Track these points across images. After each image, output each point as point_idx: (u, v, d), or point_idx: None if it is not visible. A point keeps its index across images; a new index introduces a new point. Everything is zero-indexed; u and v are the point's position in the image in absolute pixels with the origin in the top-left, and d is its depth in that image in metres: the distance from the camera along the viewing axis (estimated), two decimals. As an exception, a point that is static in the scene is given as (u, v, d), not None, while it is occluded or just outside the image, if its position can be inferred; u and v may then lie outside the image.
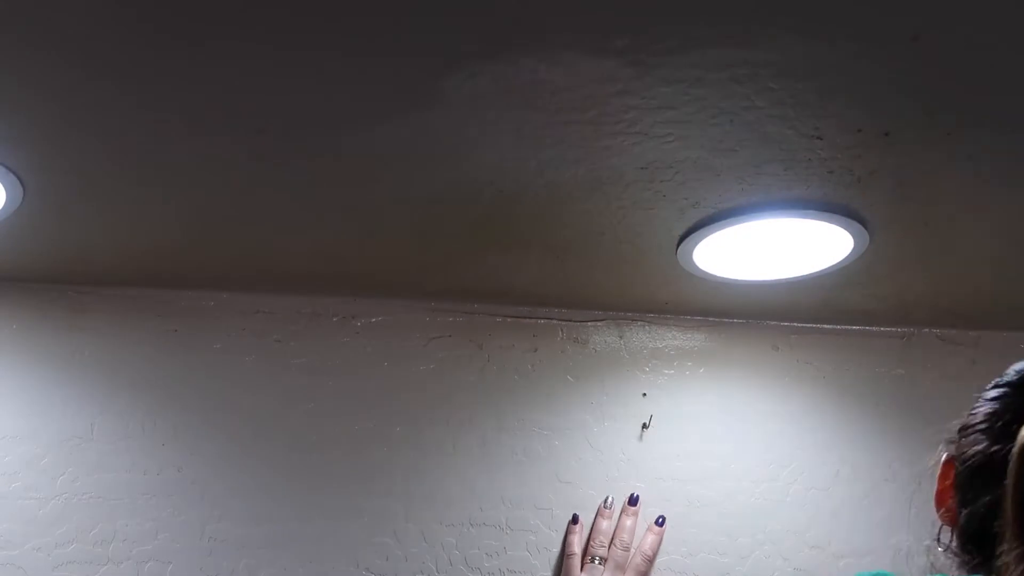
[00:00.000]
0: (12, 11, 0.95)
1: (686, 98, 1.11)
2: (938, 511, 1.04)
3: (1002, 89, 1.11)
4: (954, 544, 1.01)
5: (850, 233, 1.39)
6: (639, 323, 1.73)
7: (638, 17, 0.99)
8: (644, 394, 1.70)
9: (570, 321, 1.71)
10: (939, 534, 1.02)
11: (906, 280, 1.58)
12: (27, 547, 1.46)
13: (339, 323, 1.64)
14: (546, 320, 1.70)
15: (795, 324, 1.75)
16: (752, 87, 1.09)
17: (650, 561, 1.61)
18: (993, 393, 1.07)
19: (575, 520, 1.62)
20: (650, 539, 1.62)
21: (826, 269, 1.50)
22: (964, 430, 1.05)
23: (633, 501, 1.64)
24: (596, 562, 1.59)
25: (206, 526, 1.52)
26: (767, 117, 1.15)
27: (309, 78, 1.07)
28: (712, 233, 1.39)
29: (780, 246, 1.45)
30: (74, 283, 1.57)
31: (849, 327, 1.74)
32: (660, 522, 1.64)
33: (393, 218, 1.39)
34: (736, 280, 1.54)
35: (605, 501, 1.64)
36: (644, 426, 1.69)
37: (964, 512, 0.99)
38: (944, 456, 1.05)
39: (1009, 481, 0.93)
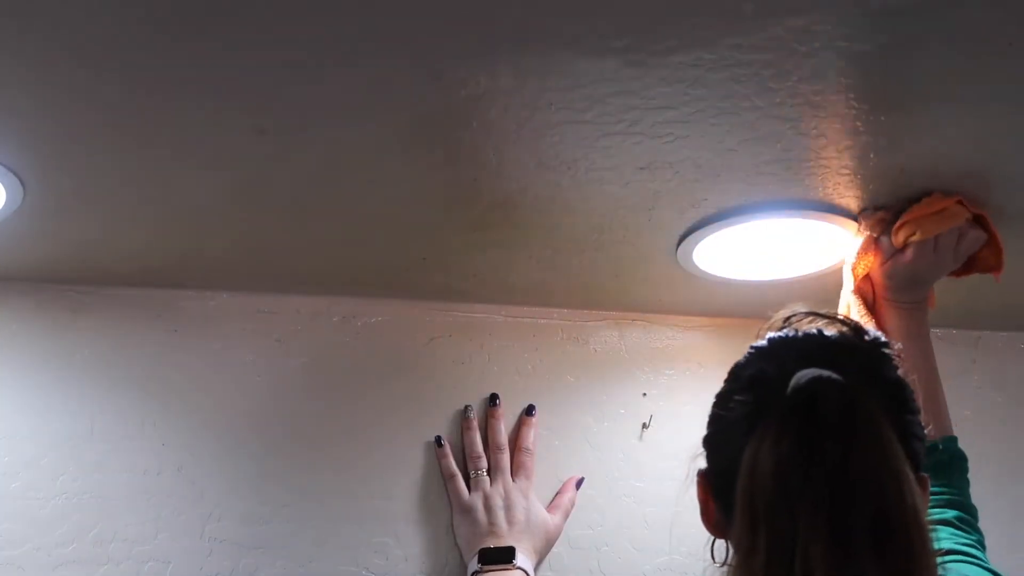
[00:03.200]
0: (12, 11, 0.95)
1: (686, 98, 1.11)
2: (707, 528, 1.03)
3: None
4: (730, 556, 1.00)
5: (850, 233, 1.39)
6: (639, 323, 1.73)
7: (638, 17, 0.99)
8: (644, 394, 1.70)
9: (570, 321, 1.71)
10: (712, 549, 1.01)
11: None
12: (27, 547, 1.46)
13: (339, 323, 1.64)
14: (546, 320, 1.70)
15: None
16: (752, 87, 1.09)
17: (532, 453, 1.60)
18: (723, 393, 1.03)
19: (440, 443, 1.59)
20: (524, 431, 1.61)
21: (826, 269, 1.50)
22: (705, 442, 1.04)
23: (530, 411, 1.63)
24: (481, 474, 1.57)
25: (206, 526, 1.52)
26: (767, 117, 1.15)
27: (309, 78, 1.07)
28: (712, 233, 1.39)
29: (780, 246, 1.45)
30: (74, 283, 1.57)
31: (849, 327, 1.74)
32: (530, 411, 1.63)
33: (393, 218, 1.39)
34: (736, 280, 1.54)
35: (464, 411, 1.61)
36: (644, 426, 1.69)
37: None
38: (698, 470, 1.04)
39: (737, 500, 0.93)
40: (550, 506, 1.59)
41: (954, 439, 1.31)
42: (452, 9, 0.97)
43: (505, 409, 1.63)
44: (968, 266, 1.37)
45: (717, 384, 1.74)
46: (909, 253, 1.33)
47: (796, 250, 1.46)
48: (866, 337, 1.00)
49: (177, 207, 1.35)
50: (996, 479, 1.74)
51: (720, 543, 1.01)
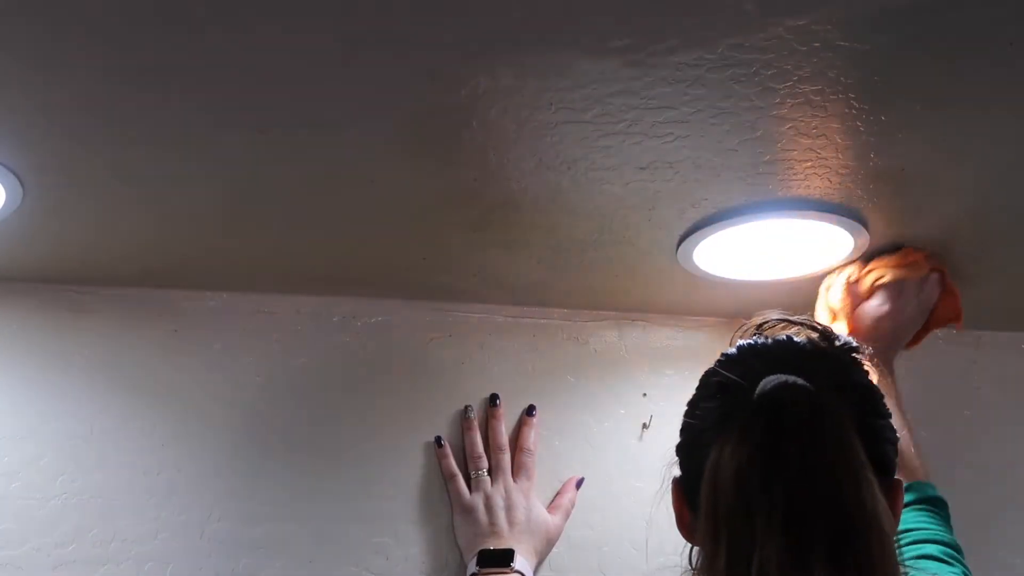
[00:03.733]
0: (12, 11, 0.95)
1: (686, 98, 1.11)
2: (682, 534, 1.03)
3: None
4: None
5: (850, 233, 1.39)
6: (639, 323, 1.73)
7: (638, 17, 0.99)
8: (644, 394, 1.70)
9: (570, 321, 1.71)
10: (691, 556, 1.01)
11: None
12: (27, 547, 1.46)
13: (339, 323, 1.64)
14: (546, 320, 1.70)
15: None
16: (752, 87, 1.09)
17: (532, 453, 1.60)
18: (693, 401, 1.03)
19: (440, 443, 1.59)
20: (525, 432, 1.61)
21: (826, 269, 1.50)
22: (677, 450, 1.04)
23: (530, 411, 1.63)
24: (482, 474, 1.57)
25: (206, 526, 1.52)
26: (767, 117, 1.15)
27: (310, 78, 1.07)
28: (712, 233, 1.39)
29: (780, 246, 1.45)
30: (74, 283, 1.57)
31: (849, 327, 1.74)
32: (531, 411, 1.62)
33: (393, 218, 1.39)
34: (736, 280, 1.54)
35: (465, 411, 1.61)
36: (644, 426, 1.69)
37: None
38: (673, 478, 1.05)
39: (701, 505, 0.94)
40: (550, 506, 1.59)
41: (932, 486, 1.33)
42: (452, 9, 0.97)
43: (505, 409, 1.63)
44: (928, 325, 1.49)
45: (717, 384, 1.75)
46: (875, 297, 1.42)
47: (796, 250, 1.46)
48: (836, 343, 1.00)
49: (177, 207, 1.35)
50: (996, 479, 1.74)
51: (697, 549, 1.01)
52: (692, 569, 1.00)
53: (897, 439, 1.00)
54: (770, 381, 0.95)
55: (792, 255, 1.48)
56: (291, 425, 1.58)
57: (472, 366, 1.66)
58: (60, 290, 1.56)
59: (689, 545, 1.01)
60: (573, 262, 1.52)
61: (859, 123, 1.16)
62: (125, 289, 1.58)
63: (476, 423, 1.61)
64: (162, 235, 1.43)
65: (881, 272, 1.43)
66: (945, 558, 1.21)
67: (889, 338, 1.44)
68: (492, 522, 1.53)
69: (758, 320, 1.06)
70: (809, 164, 1.24)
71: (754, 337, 1.01)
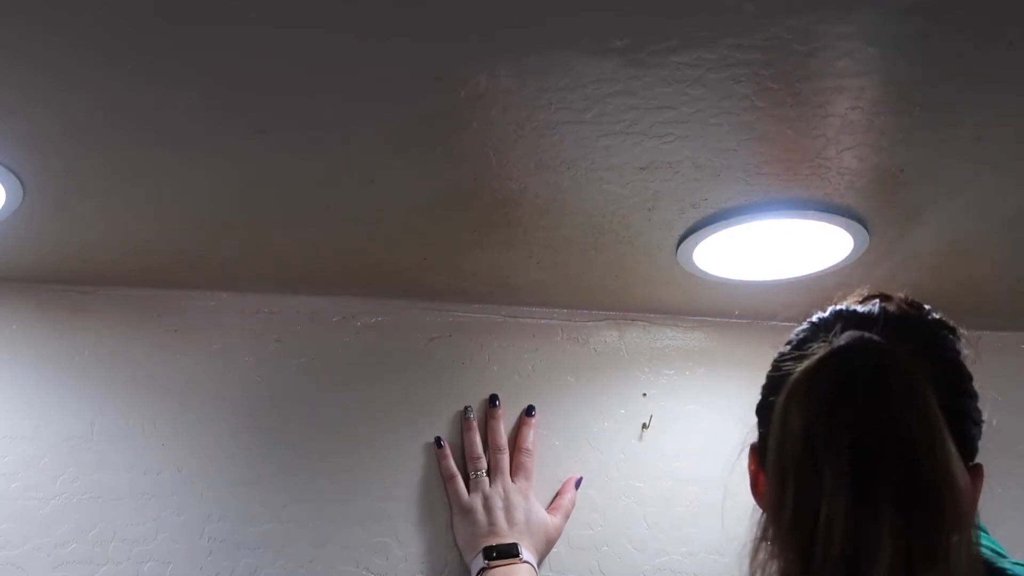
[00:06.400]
0: (11, 11, 0.95)
1: (686, 98, 1.11)
2: (756, 500, 1.02)
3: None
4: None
5: (850, 233, 1.39)
6: (639, 323, 1.73)
7: (638, 17, 0.99)
8: (644, 394, 1.70)
9: (570, 321, 1.71)
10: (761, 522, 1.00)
11: (906, 280, 1.58)
12: (27, 547, 1.46)
13: (339, 323, 1.64)
14: (546, 320, 1.70)
15: (795, 324, 1.74)
16: (752, 87, 1.09)
17: (531, 454, 1.60)
18: (776, 360, 1.02)
19: (440, 444, 1.59)
20: (524, 432, 1.61)
21: (826, 269, 1.50)
22: (757, 411, 1.03)
23: (529, 412, 1.63)
24: (481, 475, 1.57)
25: (206, 526, 1.52)
26: (767, 117, 1.15)
27: (310, 78, 1.07)
28: (712, 233, 1.39)
29: (780, 246, 1.45)
30: (74, 283, 1.57)
31: (849, 327, 1.74)
32: (530, 412, 1.62)
33: (393, 218, 1.39)
34: (736, 280, 1.54)
35: (464, 412, 1.61)
36: (644, 426, 1.69)
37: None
38: (750, 443, 1.04)
39: (768, 458, 0.92)
40: (550, 507, 1.59)
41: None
42: (452, 9, 0.97)
43: (505, 409, 1.63)
44: None
45: (717, 384, 1.76)
46: None
47: (796, 250, 1.46)
48: (928, 315, 0.99)
49: (177, 207, 1.35)
50: (996, 479, 1.73)
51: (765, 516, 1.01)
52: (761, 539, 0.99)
53: (983, 422, 0.98)
54: (846, 335, 0.94)
55: (792, 255, 1.48)
56: (291, 425, 1.58)
57: (472, 366, 1.66)
58: (60, 290, 1.56)
59: (761, 512, 1.01)
60: (573, 262, 1.52)
61: (859, 123, 1.16)
62: (125, 289, 1.59)
63: (475, 423, 1.61)
64: (162, 235, 1.43)
65: None
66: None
67: None
68: (491, 522, 1.53)
69: (857, 295, 1.05)
70: (809, 164, 1.24)
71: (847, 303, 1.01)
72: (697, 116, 1.14)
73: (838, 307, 1.01)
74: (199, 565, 1.50)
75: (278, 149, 1.21)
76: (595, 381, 1.70)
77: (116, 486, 1.51)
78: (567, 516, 1.60)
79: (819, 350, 0.95)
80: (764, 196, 1.32)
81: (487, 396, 1.63)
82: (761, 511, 0.99)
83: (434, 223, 1.40)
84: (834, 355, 0.93)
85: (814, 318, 1.02)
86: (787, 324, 1.75)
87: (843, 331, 0.95)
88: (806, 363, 0.94)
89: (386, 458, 1.60)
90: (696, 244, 1.42)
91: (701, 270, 1.51)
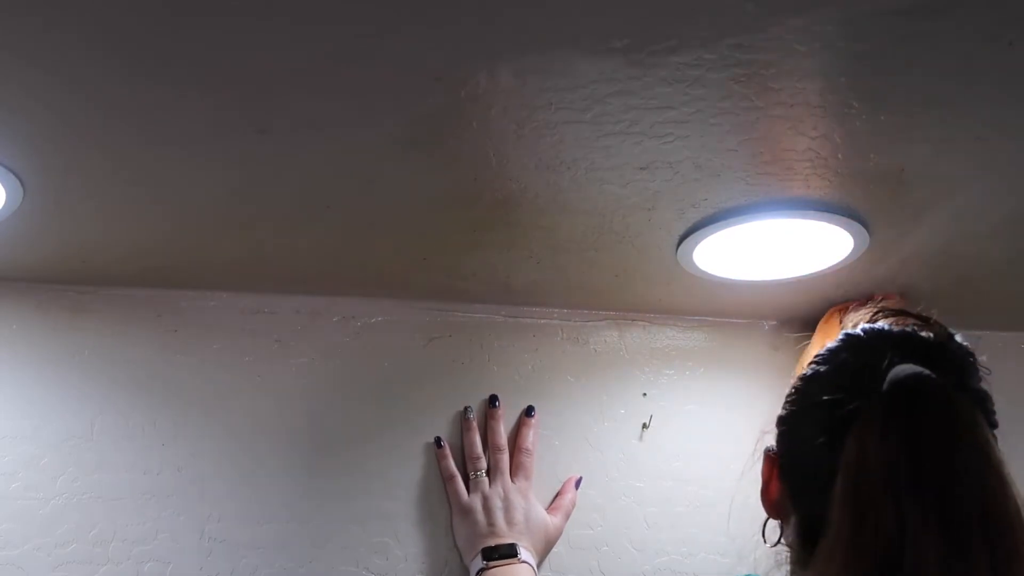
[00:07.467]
0: (11, 11, 0.95)
1: (686, 98, 1.11)
2: (765, 506, 1.03)
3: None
4: (790, 538, 1.01)
5: (850, 233, 1.39)
6: (639, 323, 1.73)
7: (638, 17, 0.99)
8: (644, 394, 1.70)
9: (570, 321, 1.71)
10: (764, 529, 1.02)
11: (906, 280, 1.58)
12: (27, 547, 1.46)
13: (339, 323, 1.64)
14: (546, 320, 1.70)
15: (794, 324, 1.74)
16: (752, 87, 1.09)
17: (531, 454, 1.59)
18: (812, 376, 1.03)
19: (439, 444, 1.59)
20: (524, 432, 1.61)
21: (826, 269, 1.50)
22: (783, 421, 1.04)
23: (529, 412, 1.63)
24: (480, 475, 1.57)
25: (206, 526, 1.52)
26: (767, 117, 1.15)
27: (310, 78, 1.07)
28: (712, 233, 1.39)
29: (780, 246, 1.45)
30: (74, 283, 1.57)
31: (849, 327, 1.74)
32: (530, 412, 1.62)
33: (393, 218, 1.39)
34: (736, 280, 1.54)
35: (464, 412, 1.61)
36: (644, 426, 1.69)
37: (799, 507, 0.98)
38: (765, 449, 1.05)
39: (838, 492, 0.93)
40: (550, 507, 1.59)
41: None
42: (452, 9, 0.97)
43: (505, 409, 1.63)
44: None
45: (717, 384, 1.76)
46: None
47: (796, 250, 1.46)
48: (956, 344, 1.02)
49: (177, 207, 1.35)
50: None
51: (773, 523, 1.02)
52: (773, 544, 1.00)
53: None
54: (903, 371, 0.96)
55: (792, 255, 1.48)
56: (291, 425, 1.58)
57: (472, 366, 1.66)
58: (60, 290, 1.56)
59: (766, 518, 1.02)
60: (573, 262, 1.52)
61: (859, 123, 1.16)
62: (125, 289, 1.58)
63: (475, 424, 1.61)
64: (162, 235, 1.43)
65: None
66: None
67: None
68: (490, 523, 1.53)
69: (872, 307, 1.07)
70: (809, 164, 1.24)
71: (879, 322, 1.02)
72: (697, 116, 1.14)
73: (872, 326, 1.01)
74: (199, 565, 1.50)
75: (278, 149, 1.21)
76: (595, 381, 1.70)
77: (116, 486, 1.51)
78: (567, 516, 1.60)
79: (869, 381, 0.96)
80: (764, 196, 1.32)
81: (487, 396, 1.63)
82: (776, 520, 1.00)
83: (434, 223, 1.40)
84: (899, 394, 0.95)
85: (847, 337, 1.02)
86: (787, 324, 1.77)
87: (889, 359, 0.97)
88: (866, 398, 0.95)
89: (386, 458, 1.60)
90: (696, 244, 1.42)
91: (701, 270, 1.51)
